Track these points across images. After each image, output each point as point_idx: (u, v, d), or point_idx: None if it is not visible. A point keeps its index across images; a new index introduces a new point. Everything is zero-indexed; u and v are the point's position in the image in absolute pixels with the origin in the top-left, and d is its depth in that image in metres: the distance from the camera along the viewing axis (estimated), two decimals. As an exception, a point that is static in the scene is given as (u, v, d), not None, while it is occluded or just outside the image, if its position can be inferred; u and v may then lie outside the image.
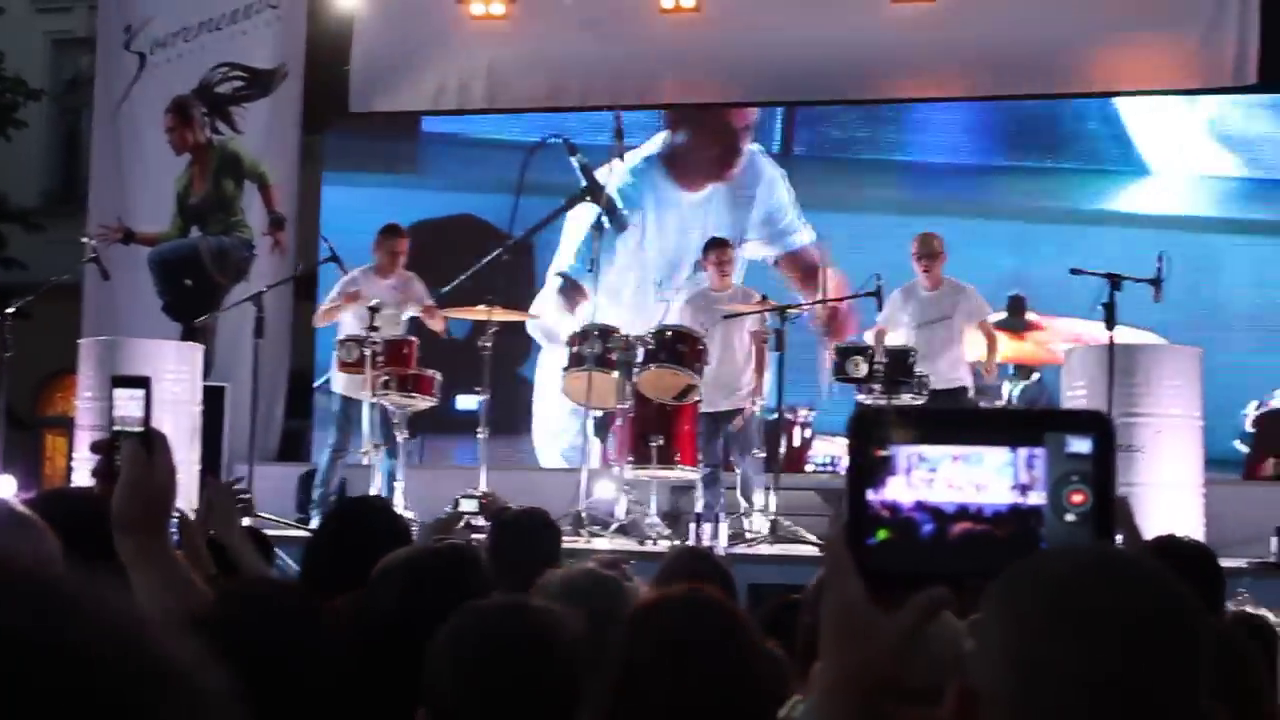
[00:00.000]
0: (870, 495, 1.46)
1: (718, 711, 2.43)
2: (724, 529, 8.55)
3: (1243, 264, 11.98)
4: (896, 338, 9.83)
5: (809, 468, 11.79)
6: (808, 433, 11.77)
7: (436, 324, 10.38)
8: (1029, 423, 1.49)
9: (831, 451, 11.60)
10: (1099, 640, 1.39)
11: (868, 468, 1.47)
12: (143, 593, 2.28)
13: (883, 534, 1.45)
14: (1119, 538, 1.52)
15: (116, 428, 2.51)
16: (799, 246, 12.91)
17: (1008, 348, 10.65)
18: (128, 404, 2.52)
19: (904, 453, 1.46)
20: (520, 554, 4.52)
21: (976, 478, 1.46)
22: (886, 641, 1.43)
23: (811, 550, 8.62)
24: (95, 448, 2.56)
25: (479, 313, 10.01)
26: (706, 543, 8.42)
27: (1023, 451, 1.46)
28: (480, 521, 8.81)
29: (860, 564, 1.46)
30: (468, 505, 9.22)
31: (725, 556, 8.13)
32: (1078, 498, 1.45)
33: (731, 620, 2.48)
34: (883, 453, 1.47)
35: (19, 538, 1.91)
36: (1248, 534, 8.99)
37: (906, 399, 9.27)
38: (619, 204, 12.76)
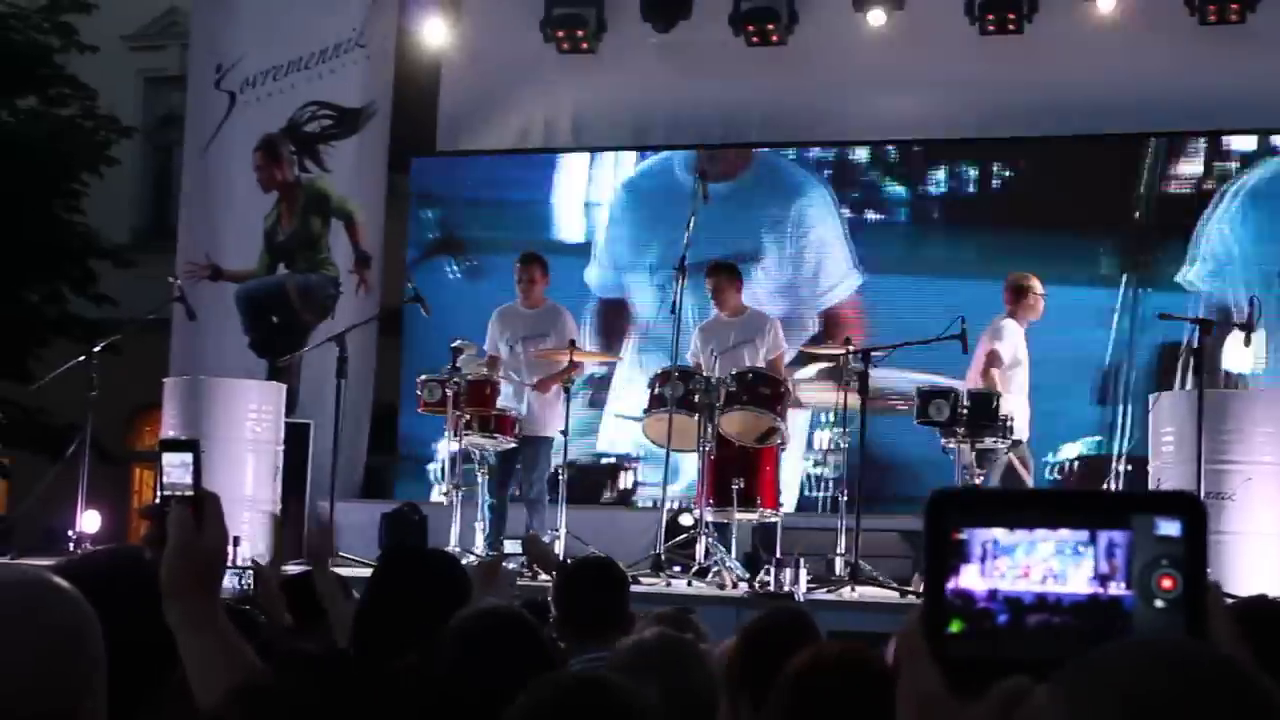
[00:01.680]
0: (947, 582, 1.42)
1: None
2: (804, 573, 8.46)
3: None
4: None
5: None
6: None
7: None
8: (1114, 504, 1.44)
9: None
10: None
11: (943, 553, 1.42)
12: (190, 660, 2.24)
13: (957, 625, 1.41)
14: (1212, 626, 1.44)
15: (165, 492, 2.50)
16: (841, 300, 12.60)
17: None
18: (177, 469, 2.51)
19: (979, 538, 1.42)
20: (586, 609, 4.47)
21: (1054, 566, 1.41)
22: None
23: (892, 595, 8.54)
24: (145, 513, 2.57)
25: (562, 356, 9.97)
26: (787, 587, 8.34)
27: (1103, 538, 1.40)
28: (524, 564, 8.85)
29: (937, 653, 1.41)
30: (512, 547, 9.20)
31: (804, 602, 8.08)
32: (1167, 583, 1.38)
33: (886, 682, 2.48)
34: (959, 536, 1.42)
35: (50, 607, 1.90)
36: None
37: (989, 443, 9.15)
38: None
